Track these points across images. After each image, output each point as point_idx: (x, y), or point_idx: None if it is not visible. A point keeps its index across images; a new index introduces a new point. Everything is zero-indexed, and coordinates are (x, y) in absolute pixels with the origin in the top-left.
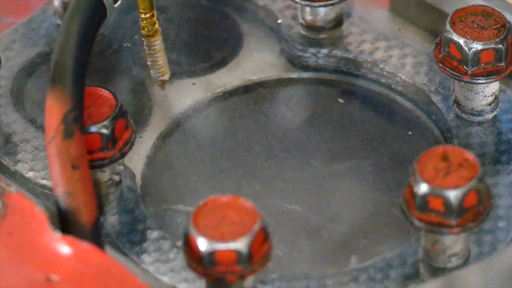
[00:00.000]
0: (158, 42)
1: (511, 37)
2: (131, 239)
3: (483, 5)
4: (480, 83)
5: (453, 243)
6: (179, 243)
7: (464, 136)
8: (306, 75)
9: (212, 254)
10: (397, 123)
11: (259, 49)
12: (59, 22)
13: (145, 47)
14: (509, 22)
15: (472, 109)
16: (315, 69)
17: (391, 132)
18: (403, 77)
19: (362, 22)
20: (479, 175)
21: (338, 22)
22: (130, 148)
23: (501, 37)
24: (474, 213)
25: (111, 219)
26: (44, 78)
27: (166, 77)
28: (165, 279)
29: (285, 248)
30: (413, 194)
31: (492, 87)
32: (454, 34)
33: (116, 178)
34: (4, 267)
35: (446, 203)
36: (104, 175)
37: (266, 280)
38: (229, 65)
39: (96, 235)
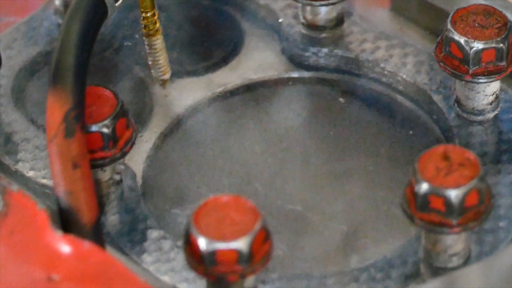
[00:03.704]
0: (159, 41)
1: None
2: (131, 239)
3: (484, 4)
4: (481, 83)
5: (454, 242)
6: (180, 242)
7: (465, 135)
8: (307, 74)
9: (213, 253)
10: (398, 122)
11: (260, 48)
12: (60, 21)
13: (146, 46)
14: (510, 21)
15: (473, 108)
16: (316, 68)
17: (391, 131)
18: (404, 76)
19: (363, 21)
20: (480, 175)
21: (339, 21)
22: (131, 147)
23: (502, 36)
24: (475, 212)
25: (112, 219)
26: (45, 77)
27: (167, 76)
28: (166, 278)
29: (286, 247)
30: (414, 194)
31: (493, 87)
32: (455, 33)
33: (117, 177)
34: (5, 266)
35: (447, 202)
36: (105, 175)
37: (266, 279)
38: (230, 64)
39: (96, 235)
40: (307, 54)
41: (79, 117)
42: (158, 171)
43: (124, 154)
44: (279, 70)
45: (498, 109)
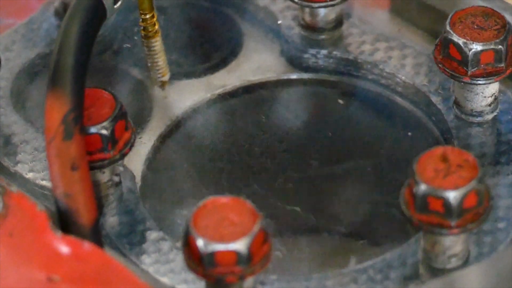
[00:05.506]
0: (158, 43)
1: (511, 38)
2: (130, 240)
3: (483, 6)
4: (480, 84)
5: (453, 244)
6: (179, 244)
7: (464, 137)
8: (306, 76)
9: (211, 255)
10: (397, 124)
11: (259, 50)
12: (59, 23)
13: (145, 48)
14: (509, 23)
15: (471, 110)
16: (315, 70)
17: (391, 133)
18: (403, 78)
19: (362, 23)
20: (478, 176)
21: (338, 23)
22: (130, 149)
23: (501, 38)
24: (474, 214)
25: (111, 220)
26: (44, 79)
27: (166, 78)
28: (165, 280)
29: (285, 248)
30: (413, 195)
31: (492, 88)
32: (454, 35)
33: (116, 179)
34: (5, 268)
35: (446, 204)
36: (104, 176)
37: (265, 281)
38: (229, 66)
39: (95, 236)
40: (306, 55)
41: (78, 119)
42: (157, 173)
43: (123, 156)
44: (278, 71)
45: (497, 110)
